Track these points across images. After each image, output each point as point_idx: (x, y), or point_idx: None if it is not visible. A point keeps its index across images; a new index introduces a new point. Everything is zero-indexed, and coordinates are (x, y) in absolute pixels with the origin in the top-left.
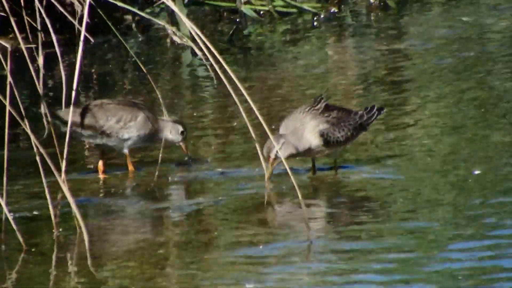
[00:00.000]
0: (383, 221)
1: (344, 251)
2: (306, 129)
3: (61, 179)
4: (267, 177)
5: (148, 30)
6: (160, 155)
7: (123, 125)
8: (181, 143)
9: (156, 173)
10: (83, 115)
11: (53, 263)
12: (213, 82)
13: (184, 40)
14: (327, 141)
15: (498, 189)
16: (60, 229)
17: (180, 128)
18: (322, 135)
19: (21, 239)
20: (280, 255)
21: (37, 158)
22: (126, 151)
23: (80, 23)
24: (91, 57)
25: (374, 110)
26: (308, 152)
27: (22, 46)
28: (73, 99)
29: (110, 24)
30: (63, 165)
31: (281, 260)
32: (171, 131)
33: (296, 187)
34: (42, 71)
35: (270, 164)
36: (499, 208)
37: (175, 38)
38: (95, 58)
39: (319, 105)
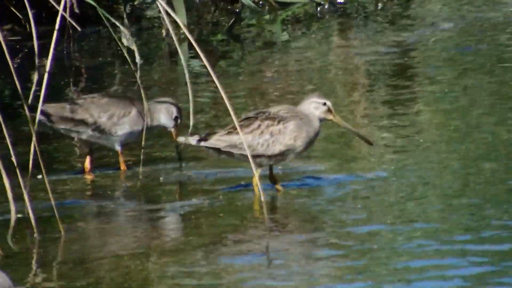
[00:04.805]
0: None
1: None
2: None
3: (26, 181)
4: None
5: (140, 21)
6: (142, 156)
7: (116, 121)
8: (172, 129)
9: (140, 172)
10: (74, 111)
11: (33, 268)
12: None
13: (131, 43)
14: None
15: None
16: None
17: (175, 113)
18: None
19: None
20: (278, 262)
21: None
22: (119, 148)
23: (68, 12)
24: (80, 48)
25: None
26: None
27: (0, 38)
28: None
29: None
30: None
31: (277, 267)
32: (164, 115)
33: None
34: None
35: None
36: None
37: (124, 40)
38: (84, 49)
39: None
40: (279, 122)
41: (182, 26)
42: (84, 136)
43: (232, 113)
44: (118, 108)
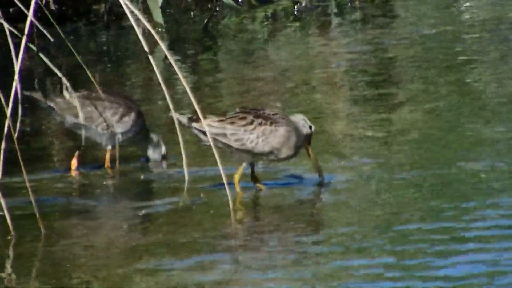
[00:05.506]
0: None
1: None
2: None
3: None
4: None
5: (120, 19)
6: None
7: (119, 118)
8: (163, 163)
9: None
10: (81, 105)
11: (9, 267)
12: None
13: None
14: None
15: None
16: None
17: (163, 150)
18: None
19: None
20: (257, 259)
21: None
22: (109, 146)
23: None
24: (59, 47)
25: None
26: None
27: None
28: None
29: None
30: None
31: (254, 266)
32: (153, 151)
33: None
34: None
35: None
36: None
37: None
38: (62, 48)
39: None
40: (271, 123)
41: (148, 27)
42: (86, 132)
43: (196, 107)
44: (122, 106)
